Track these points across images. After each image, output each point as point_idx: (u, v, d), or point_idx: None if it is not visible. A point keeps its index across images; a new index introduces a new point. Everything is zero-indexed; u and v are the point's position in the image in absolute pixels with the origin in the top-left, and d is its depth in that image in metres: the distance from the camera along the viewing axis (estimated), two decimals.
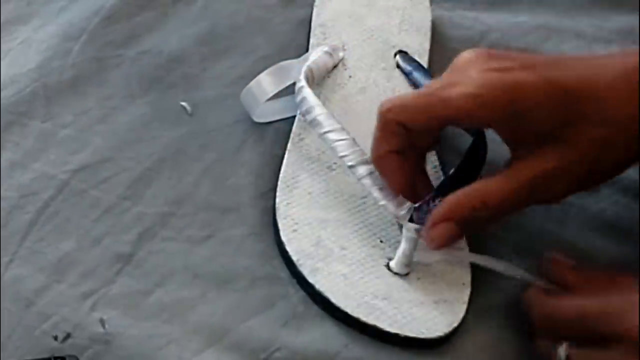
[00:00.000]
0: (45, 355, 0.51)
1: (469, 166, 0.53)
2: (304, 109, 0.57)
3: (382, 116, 0.51)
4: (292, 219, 0.55)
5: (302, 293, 0.54)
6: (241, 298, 0.54)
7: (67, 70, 0.62)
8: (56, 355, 0.50)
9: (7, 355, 0.51)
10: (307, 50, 0.62)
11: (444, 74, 0.51)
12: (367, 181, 0.54)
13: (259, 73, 0.60)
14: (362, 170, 0.54)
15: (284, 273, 0.55)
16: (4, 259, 0.55)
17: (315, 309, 0.53)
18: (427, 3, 0.65)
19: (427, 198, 0.52)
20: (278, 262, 0.55)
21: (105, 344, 0.52)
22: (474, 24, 0.65)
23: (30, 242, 0.55)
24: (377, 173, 0.53)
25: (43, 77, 0.62)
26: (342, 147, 0.54)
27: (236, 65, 0.63)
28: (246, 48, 0.64)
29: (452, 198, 0.49)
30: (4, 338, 0.52)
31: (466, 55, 0.50)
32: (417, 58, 0.62)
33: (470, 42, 0.64)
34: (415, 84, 0.61)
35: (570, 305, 0.48)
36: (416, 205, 0.52)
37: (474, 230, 0.51)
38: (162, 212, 0.57)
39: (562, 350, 0.48)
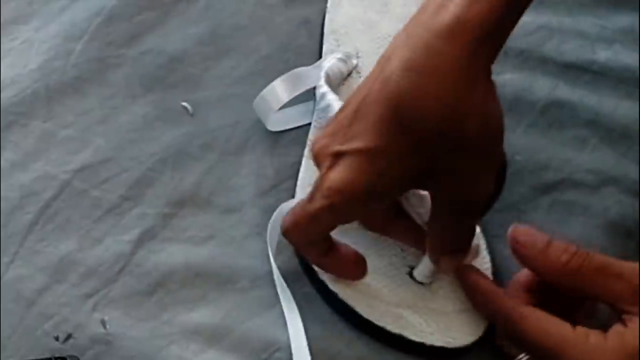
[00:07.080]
0: (46, 356, 0.51)
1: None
2: (330, 114, 0.55)
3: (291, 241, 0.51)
4: None
5: (303, 292, 0.54)
6: (242, 298, 0.54)
7: (68, 70, 0.62)
8: (57, 355, 0.51)
9: (7, 355, 0.51)
10: (319, 54, 0.62)
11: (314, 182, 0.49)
12: None
13: (261, 73, 0.60)
14: None
15: (285, 273, 0.54)
16: (5, 259, 0.55)
17: (316, 308, 0.53)
18: None
19: None
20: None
21: (107, 344, 0.52)
22: None
23: (31, 242, 0.55)
24: None
25: (44, 78, 0.62)
26: None
27: (238, 65, 0.63)
28: (248, 48, 0.64)
29: None
30: (4, 338, 0.52)
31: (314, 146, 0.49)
32: None
33: None
34: None
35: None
36: None
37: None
38: (164, 213, 0.57)
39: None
